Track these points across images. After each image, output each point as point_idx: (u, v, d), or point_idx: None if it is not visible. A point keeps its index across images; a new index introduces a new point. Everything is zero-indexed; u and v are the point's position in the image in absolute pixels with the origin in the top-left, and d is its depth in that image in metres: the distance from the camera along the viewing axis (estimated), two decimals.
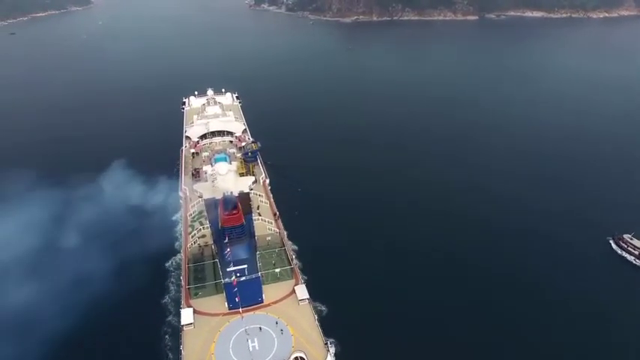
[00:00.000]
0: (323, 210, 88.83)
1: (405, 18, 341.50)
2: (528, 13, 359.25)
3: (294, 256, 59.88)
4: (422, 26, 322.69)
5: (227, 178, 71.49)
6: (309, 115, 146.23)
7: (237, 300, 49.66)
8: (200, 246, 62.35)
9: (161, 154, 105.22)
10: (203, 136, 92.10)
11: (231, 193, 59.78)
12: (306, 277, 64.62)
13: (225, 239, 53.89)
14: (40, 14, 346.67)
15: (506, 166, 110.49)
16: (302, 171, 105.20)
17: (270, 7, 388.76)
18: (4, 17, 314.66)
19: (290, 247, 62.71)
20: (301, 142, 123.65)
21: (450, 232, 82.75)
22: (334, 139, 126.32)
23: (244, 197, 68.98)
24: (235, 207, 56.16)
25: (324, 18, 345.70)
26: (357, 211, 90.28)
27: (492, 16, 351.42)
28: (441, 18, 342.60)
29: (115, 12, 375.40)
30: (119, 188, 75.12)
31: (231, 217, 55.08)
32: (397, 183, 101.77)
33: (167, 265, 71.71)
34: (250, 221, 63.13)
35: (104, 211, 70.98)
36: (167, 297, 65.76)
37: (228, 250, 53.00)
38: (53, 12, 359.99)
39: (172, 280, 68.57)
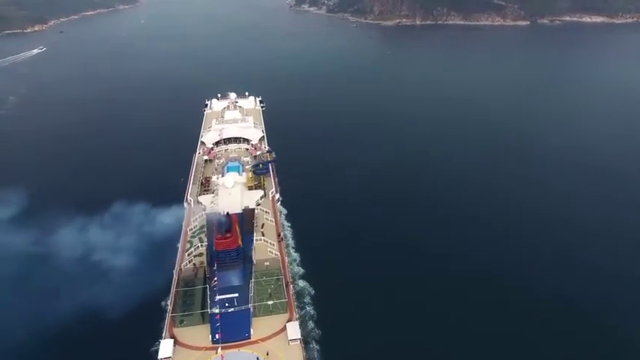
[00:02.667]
0: (341, 233, 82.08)
1: (450, 22, 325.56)
2: (586, 19, 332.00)
3: (292, 286, 54.28)
4: (468, 31, 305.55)
5: (234, 192, 67.10)
6: (334, 124, 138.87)
7: (217, 337, 44.81)
8: (195, 266, 57.96)
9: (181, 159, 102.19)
10: (218, 143, 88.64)
11: (225, 213, 55.06)
12: (304, 311, 59.12)
13: (213, 265, 49.27)
14: (90, 13, 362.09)
15: (573, 188, 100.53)
16: (324, 184, 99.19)
17: (311, 8, 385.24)
18: (58, 16, 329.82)
19: (289, 275, 57.12)
20: (325, 154, 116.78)
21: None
22: (360, 153, 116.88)
23: (248, 214, 64.47)
24: (229, 229, 51.32)
25: (365, 20, 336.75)
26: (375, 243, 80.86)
27: (545, 21, 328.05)
28: (488, 23, 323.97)
29: (158, 10, 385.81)
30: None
31: (225, 241, 50.30)
32: (443, 208, 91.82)
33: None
34: (250, 243, 58.31)
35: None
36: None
37: (215, 280, 48.20)
38: (102, 10, 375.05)
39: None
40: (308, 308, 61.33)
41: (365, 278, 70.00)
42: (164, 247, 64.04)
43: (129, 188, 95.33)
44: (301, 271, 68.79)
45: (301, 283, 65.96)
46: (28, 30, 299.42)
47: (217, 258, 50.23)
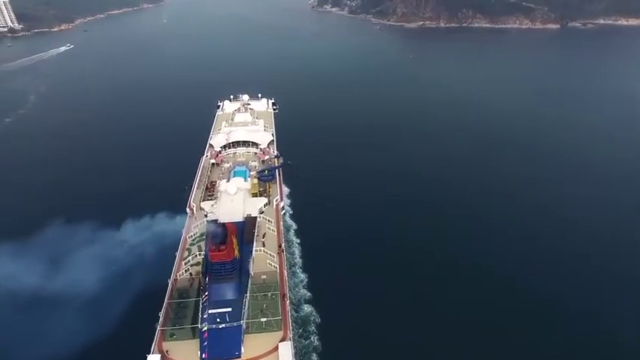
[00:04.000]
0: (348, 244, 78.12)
1: (476, 25, 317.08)
2: (622, 22, 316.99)
3: (288, 303, 51.36)
4: (494, 35, 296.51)
5: (236, 199, 64.74)
6: (350, 128, 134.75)
7: (204, 356, 42.35)
8: (191, 275, 55.62)
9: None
10: (226, 146, 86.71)
11: (221, 223, 52.64)
12: (308, 341, 55.58)
13: (201, 281, 46.96)
14: (116, 12, 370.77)
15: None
16: (338, 193, 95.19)
17: (333, 9, 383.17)
18: (84, 15, 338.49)
19: (287, 290, 54.18)
20: (339, 159, 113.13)
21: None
22: (376, 160, 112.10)
23: (250, 223, 62.06)
24: (224, 241, 48.81)
25: (388, 22, 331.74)
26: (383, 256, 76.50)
27: (577, 24, 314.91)
28: (516, 26, 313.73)
29: (181, 10, 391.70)
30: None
31: (219, 253, 47.84)
32: (475, 222, 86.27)
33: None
34: (248, 254, 55.70)
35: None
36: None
37: (206, 294, 45.80)
38: (127, 9, 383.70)
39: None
40: (312, 338, 57.36)
41: (380, 307, 62.91)
42: (164, 255, 62.58)
43: (134, 190, 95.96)
44: (307, 294, 64.38)
45: (306, 308, 61.63)
46: (55, 29, 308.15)
47: (211, 270, 47.86)
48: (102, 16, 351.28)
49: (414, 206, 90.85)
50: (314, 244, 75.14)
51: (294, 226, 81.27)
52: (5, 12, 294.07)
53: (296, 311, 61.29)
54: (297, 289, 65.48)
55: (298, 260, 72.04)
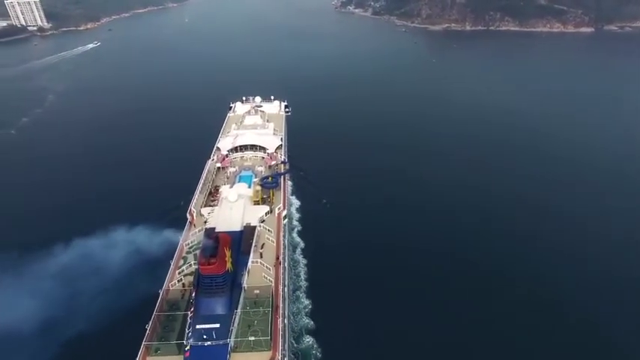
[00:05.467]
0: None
1: (503, 28, 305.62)
2: None
3: (280, 321, 47.95)
4: (523, 38, 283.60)
5: (235, 207, 61.90)
6: (365, 133, 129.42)
7: None
8: (184, 286, 53.02)
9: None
10: (234, 149, 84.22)
11: (212, 235, 49.57)
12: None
13: (192, 293, 44.10)
14: (141, 10, 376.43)
15: None
16: (350, 204, 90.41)
17: (356, 10, 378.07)
18: (110, 13, 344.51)
19: (282, 305, 50.73)
20: (354, 168, 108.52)
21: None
22: (392, 170, 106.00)
23: (248, 232, 59.13)
24: (214, 254, 45.86)
25: (412, 24, 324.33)
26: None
27: (613, 27, 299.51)
28: (546, 29, 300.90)
29: (204, 9, 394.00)
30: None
31: (208, 267, 44.94)
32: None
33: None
34: (243, 266, 52.70)
35: None
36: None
37: (191, 309, 42.96)
38: (152, 8, 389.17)
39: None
40: None
41: (394, 348, 57.35)
42: (161, 263, 60.27)
43: (139, 192, 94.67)
44: (310, 323, 59.83)
45: (307, 339, 57.35)
46: (82, 28, 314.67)
47: (201, 283, 45.12)
48: (127, 14, 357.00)
49: (441, 230, 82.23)
50: (322, 266, 69.53)
51: (302, 245, 76.36)
52: (35, 11, 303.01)
53: (296, 342, 57.30)
54: (299, 317, 61.18)
55: (303, 283, 67.45)
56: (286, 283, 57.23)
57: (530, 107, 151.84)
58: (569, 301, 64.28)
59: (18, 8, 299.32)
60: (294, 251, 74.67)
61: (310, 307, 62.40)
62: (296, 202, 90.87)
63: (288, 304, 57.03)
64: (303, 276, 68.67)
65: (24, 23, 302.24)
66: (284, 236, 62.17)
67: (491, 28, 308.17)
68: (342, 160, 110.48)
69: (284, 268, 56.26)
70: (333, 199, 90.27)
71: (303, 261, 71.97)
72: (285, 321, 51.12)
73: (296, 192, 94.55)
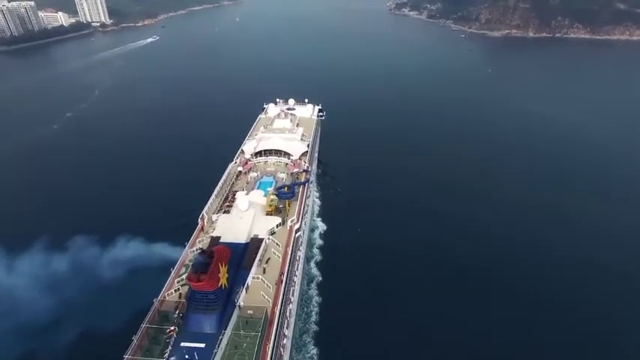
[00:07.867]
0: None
1: (572, 36, 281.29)
2: None
3: (269, 348, 43.09)
4: (595, 47, 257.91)
5: (245, 217, 57.86)
6: (404, 146, 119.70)
7: None
8: (180, 297, 49.92)
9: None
10: (258, 153, 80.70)
11: (202, 250, 45.84)
12: None
13: (176, 311, 40.67)
14: (197, 8, 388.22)
15: None
16: (379, 223, 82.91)
17: (411, 13, 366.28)
18: (167, 10, 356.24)
19: (274, 334, 45.81)
20: (383, 178, 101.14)
21: None
22: (432, 195, 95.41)
23: (254, 245, 54.90)
24: (204, 270, 42.00)
25: (469, 30, 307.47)
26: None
27: None
28: (623, 37, 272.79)
29: (257, 8, 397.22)
30: None
31: (197, 283, 41.30)
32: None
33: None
34: (241, 283, 48.44)
35: None
36: None
37: (172, 328, 39.50)
38: (208, 6, 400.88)
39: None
40: None
41: None
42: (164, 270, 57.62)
43: (159, 192, 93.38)
44: None
45: None
46: (139, 24, 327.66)
47: (193, 297, 41.74)
48: (183, 12, 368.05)
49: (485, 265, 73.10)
50: (337, 306, 60.88)
51: (319, 278, 68.51)
52: (100, 8, 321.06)
53: None
54: (304, 348, 54.92)
55: (312, 326, 60.06)
56: (290, 303, 52.33)
57: (608, 133, 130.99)
58: (575, 302, 63.79)
59: (85, 5, 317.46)
60: (309, 285, 68.19)
61: (316, 359, 54.85)
62: (322, 226, 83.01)
63: (288, 327, 52.04)
64: (314, 318, 61.10)
65: (89, 19, 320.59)
66: (292, 252, 57.26)
67: (558, 35, 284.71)
68: (382, 179, 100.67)
69: (285, 286, 51.27)
70: (367, 228, 79.82)
71: (317, 299, 64.28)
72: (281, 349, 46.20)
73: (323, 212, 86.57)
